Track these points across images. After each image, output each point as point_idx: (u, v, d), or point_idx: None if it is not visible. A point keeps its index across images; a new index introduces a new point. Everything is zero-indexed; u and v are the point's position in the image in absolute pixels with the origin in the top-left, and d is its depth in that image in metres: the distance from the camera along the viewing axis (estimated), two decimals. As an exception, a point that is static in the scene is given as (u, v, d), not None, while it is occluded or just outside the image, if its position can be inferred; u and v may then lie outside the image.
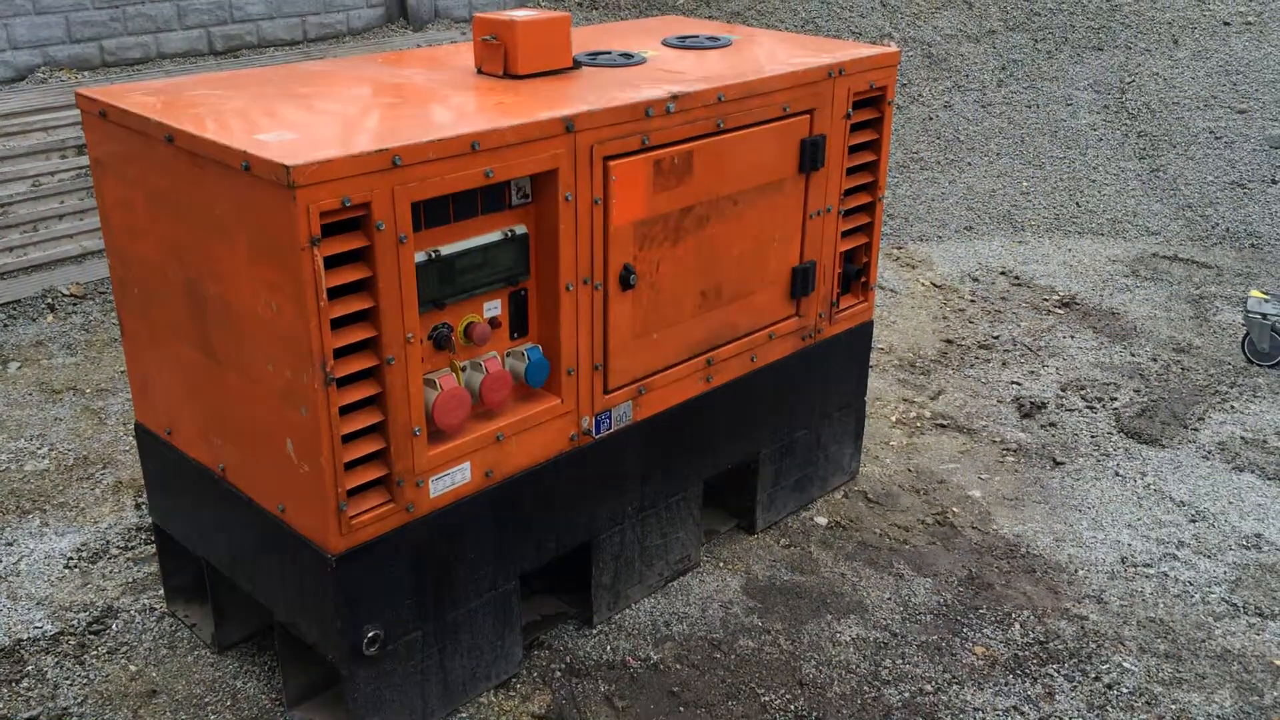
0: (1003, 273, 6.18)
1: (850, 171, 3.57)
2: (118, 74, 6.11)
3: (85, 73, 6.10)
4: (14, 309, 5.37)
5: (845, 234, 3.65)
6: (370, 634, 2.68)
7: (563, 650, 3.22)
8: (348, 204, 2.32)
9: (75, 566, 3.59)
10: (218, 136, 2.40)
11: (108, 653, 3.21)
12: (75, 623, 3.31)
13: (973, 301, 5.83)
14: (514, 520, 2.93)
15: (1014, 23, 8.06)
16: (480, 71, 3.11)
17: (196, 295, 2.67)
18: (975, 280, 6.09)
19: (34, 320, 5.34)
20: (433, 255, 2.59)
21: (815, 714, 3.00)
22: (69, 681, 3.09)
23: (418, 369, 2.56)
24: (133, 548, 3.68)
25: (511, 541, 2.95)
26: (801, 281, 3.50)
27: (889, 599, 3.47)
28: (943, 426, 4.57)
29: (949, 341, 5.35)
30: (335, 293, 2.40)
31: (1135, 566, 3.63)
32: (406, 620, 2.77)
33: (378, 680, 2.75)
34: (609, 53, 3.37)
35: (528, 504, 2.95)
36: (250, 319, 2.51)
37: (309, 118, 2.61)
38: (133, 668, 3.15)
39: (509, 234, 2.73)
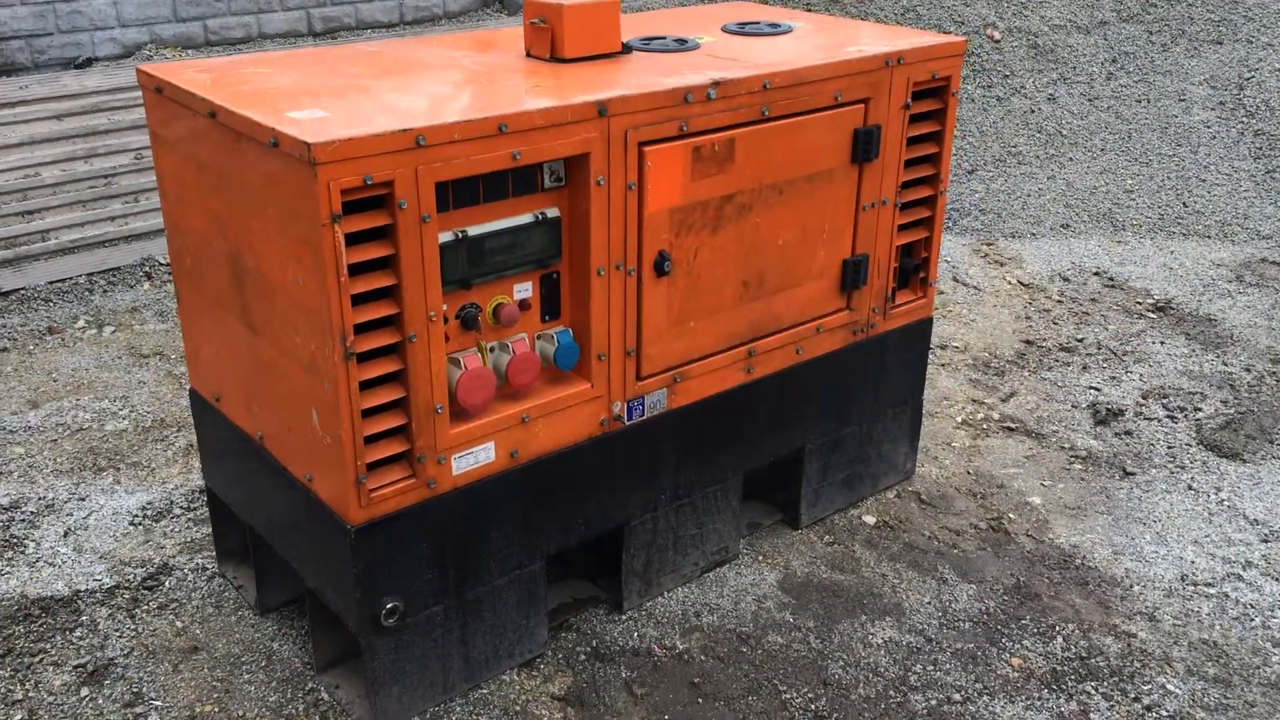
0: (1096, 273, 5.96)
1: (909, 164, 3.49)
2: (220, 53, 6.33)
3: (189, 51, 6.34)
4: (114, 276, 5.62)
5: (903, 227, 3.56)
6: (389, 605, 2.73)
7: (590, 634, 3.23)
8: (369, 182, 2.36)
9: (139, 524, 3.75)
10: (252, 113, 2.47)
11: (158, 608, 3.34)
12: (132, 577, 3.46)
13: (1060, 302, 5.64)
14: (540, 502, 2.95)
15: (1128, 14, 7.74)
16: (529, 55, 3.12)
17: (237, 267, 2.75)
18: (1065, 280, 5.88)
19: (131, 287, 5.59)
20: (460, 235, 2.61)
21: (836, 715, 2.95)
22: (118, 633, 3.23)
23: (440, 347, 2.59)
24: (195, 508, 3.82)
25: (537, 523, 2.97)
26: (852, 275, 3.43)
27: (928, 603, 3.39)
28: (1010, 430, 4.43)
29: (1029, 342, 5.19)
30: (358, 269, 2.44)
31: (1195, 585, 3.47)
32: (427, 594, 2.81)
33: (397, 651, 2.81)
34: (663, 38, 3.35)
35: (555, 487, 2.97)
36: (281, 292, 2.58)
37: (346, 97, 2.66)
38: (179, 624, 3.28)
39: (540, 216, 2.75)
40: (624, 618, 3.30)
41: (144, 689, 3.03)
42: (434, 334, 2.57)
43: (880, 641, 3.22)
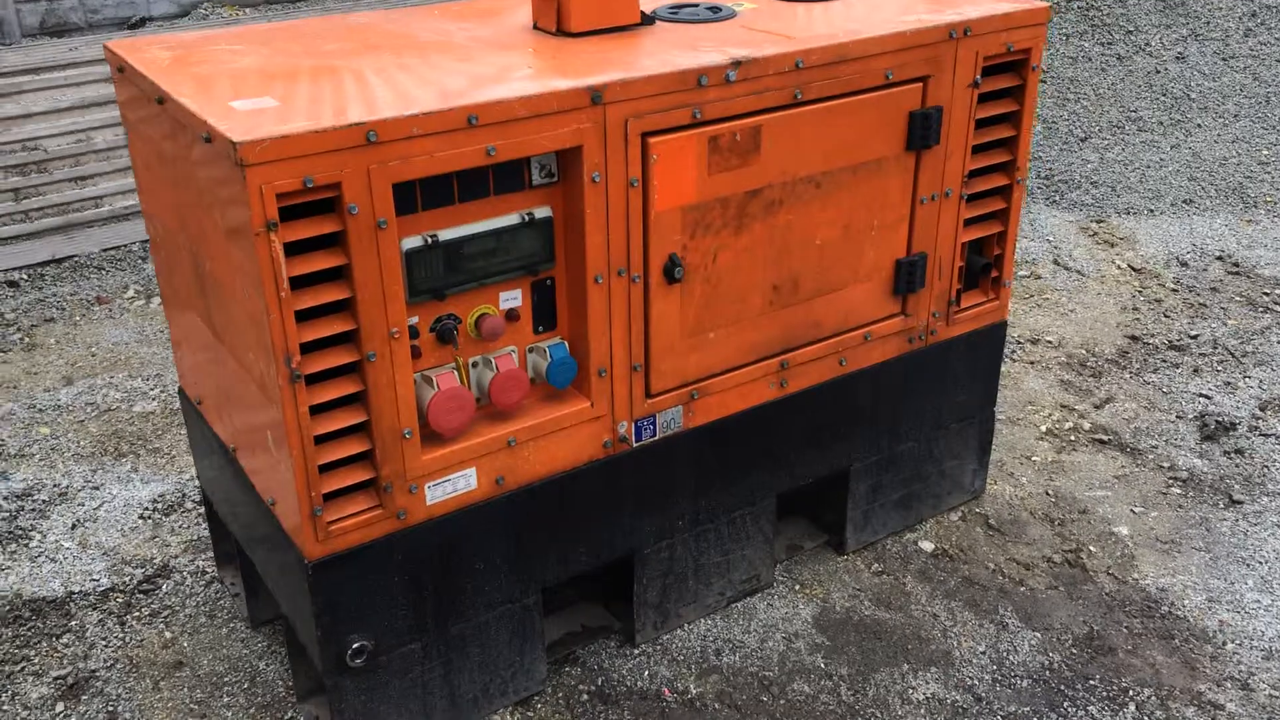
0: (1219, 258, 5.34)
1: (979, 149, 3.04)
2: (278, 12, 6.12)
3: (247, 9, 6.15)
4: (169, 244, 5.49)
5: (970, 222, 3.12)
6: (356, 645, 2.48)
7: (597, 670, 2.94)
8: (310, 185, 2.06)
9: (149, 518, 3.59)
10: (192, 101, 2.19)
11: (150, 615, 3.17)
12: (129, 579, 3.30)
13: (1174, 290, 5.06)
14: (533, 532, 2.65)
15: (1276, -39, 6.94)
16: (536, 27, 2.78)
17: (198, 267, 2.50)
18: (1183, 265, 5.29)
19: (187, 256, 5.45)
20: (430, 240, 2.31)
21: (858, 785, 2.61)
22: (105, 642, 3.07)
23: (405, 366, 2.30)
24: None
25: (530, 554, 2.68)
26: (907, 276, 3.01)
27: (983, 652, 2.99)
28: (1101, 443, 3.95)
29: (1134, 338, 4.65)
30: (304, 281, 2.16)
31: (1301, 646, 2.99)
32: (402, 631, 2.55)
33: (369, 691, 2.56)
34: (695, 5, 2.97)
35: (550, 515, 2.66)
36: (233, 300, 2.32)
37: (310, 81, 2.36)
38: (168, 634, 3.10)
39: (527, 217, 2.42)
40: (636, 652, 3.00)
41: (120, 708, 2.86)
42: (397, 352, 2.28)
43: (921, 698, 2.85)
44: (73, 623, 3.14)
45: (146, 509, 3.63)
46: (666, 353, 2.67)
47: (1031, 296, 5.06)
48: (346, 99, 2.23)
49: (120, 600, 3.22)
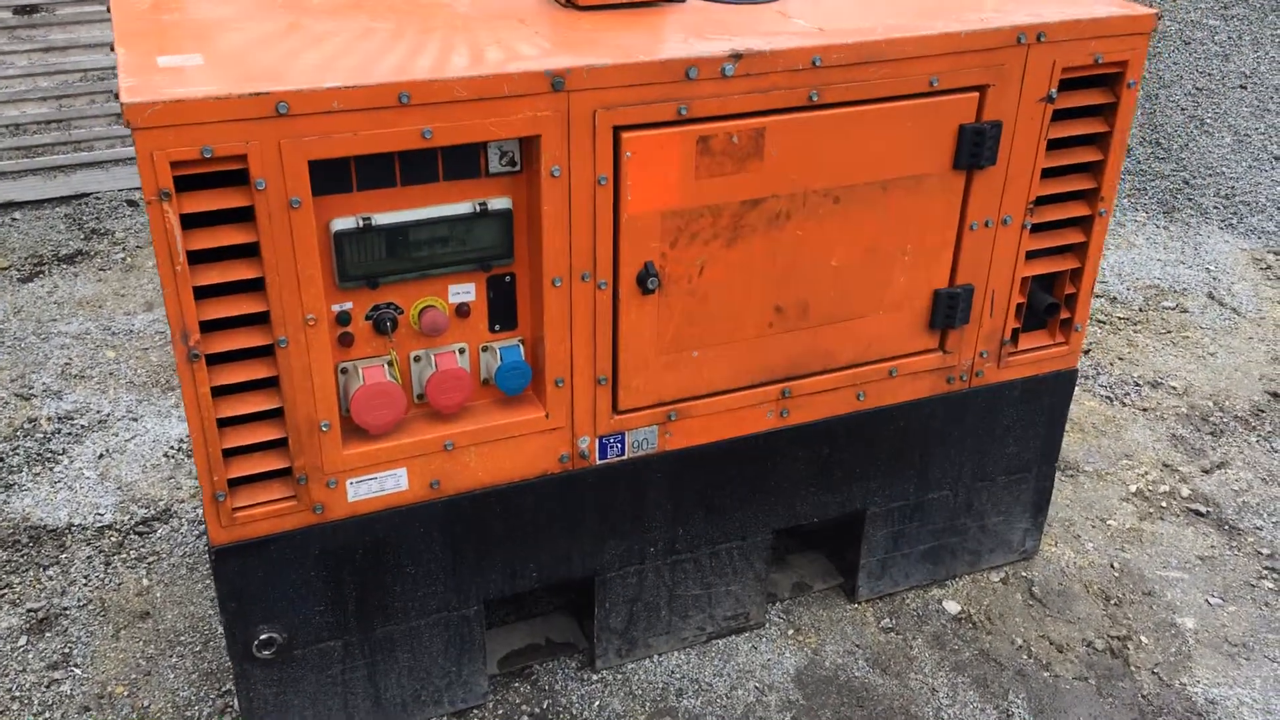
0: None
1: (1051, 173, 2.62)
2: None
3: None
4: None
5: (1035, 254, 2.72)
6: (264, 636, 2.36)
7: (547, 690, 2.75)
8: (209, 155, 1.91)
9: (172, 457, 3.60)
10: (125, 54, 2.07)
11: (135, 559, 3.17)
12: (131, 518, 3.31)
13: (1341, 345, 4.40)
14: (474, 541, 2.47)
15: None
16: (551, -3, 2.54)
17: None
18: (1361, 316, 4.60)
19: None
20: (363, 223, 2.12)
21: None
22: (85, 580, 3.09)
23: (324, 354, 2.14)
24: (230, 449, 3.63)
25: (470, 564, 2.50)
26: (947, 309, 2.65)
27: (975, 744, 2.64)
28: (1197, 515, 3.45)
29: (1275, 395, 4.07)
30: (206, 256, 2.02)
31: (1365, 805, 2.51)
32: (320, 628, 2.42)
33: (280, 684, 2.45)
34: (740, -17, 2.65)
35: (495, 526, 2.47)
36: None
37: (263, 43, 2.20)
38: (146, 581, 3.09)
39: (480, 207, 2.20)
40: (595, 678, 2.79)
41: (75, 651, 2.86)
42: (314, 339, 2.12)
43: (887, 785, 2.53)
44: (64, 555, 3.17)
45: (172, 448, 3.64)
46: (638, 368, 2.42)
47: (1169, 333, 4.50)
48: (280, 62, 2.06)
49: (114, 539, 3.24)
